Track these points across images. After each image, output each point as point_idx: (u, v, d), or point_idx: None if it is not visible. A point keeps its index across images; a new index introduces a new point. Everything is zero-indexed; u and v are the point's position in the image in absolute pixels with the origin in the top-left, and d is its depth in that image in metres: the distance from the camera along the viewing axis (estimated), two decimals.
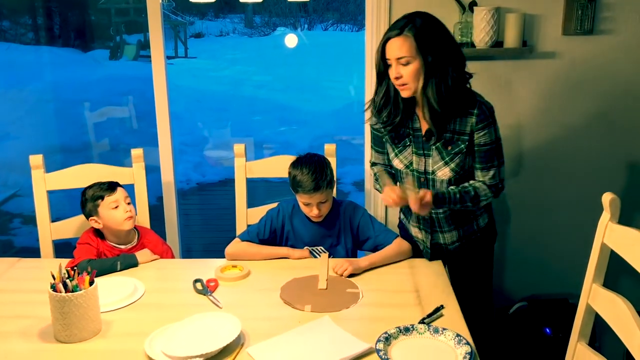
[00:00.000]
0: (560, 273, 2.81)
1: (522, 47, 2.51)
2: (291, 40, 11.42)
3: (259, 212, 2.37)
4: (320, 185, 2.06)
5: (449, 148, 1.92)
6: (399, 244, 2.10)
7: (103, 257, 2.15)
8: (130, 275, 2.02)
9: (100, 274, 1.98)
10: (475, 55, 2.55)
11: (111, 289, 1.87)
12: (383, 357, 1.47)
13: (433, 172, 1.97)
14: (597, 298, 1.52)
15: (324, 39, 11.65)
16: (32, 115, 5.70)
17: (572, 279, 2.81)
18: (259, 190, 3.71)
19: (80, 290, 1.60)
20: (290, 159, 2.21)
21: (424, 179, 2.00)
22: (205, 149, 6.83)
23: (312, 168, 2.08)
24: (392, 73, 1.85)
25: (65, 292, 1.58)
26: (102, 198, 2.15)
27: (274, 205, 2.30)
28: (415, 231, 2.14)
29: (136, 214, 2.28)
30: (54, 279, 1.62)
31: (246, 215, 2.49)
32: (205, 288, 1.91)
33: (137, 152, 2.42)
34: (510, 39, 2.48)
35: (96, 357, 1.55)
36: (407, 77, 1.83)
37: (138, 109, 6.33)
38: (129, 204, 2.19)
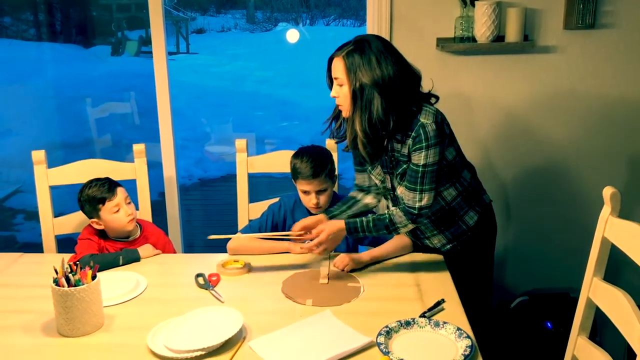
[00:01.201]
0: (561, 267, 2.81)
1: (523, 41, 2.50)
2: (293, 35, 11.39)
3: (260, 207, 2.38)
4: (319, 171, 2.07)
5: (398, 171, 1.91)
6: (399, 239, 2.11)
7: (105, 251, 2.15)
8: (133, 269, 2.03)
9: (103, 268, 1.99)
10: (476, 50, 2.55)
11: (114, 284, 1.88)
12: (384, 350, 1.48)
13: (395, 190, 1.97)
14: (597, 292, 1.53)
15: (326, 34, 11.61)
16: (34, 112, 5.70)
17: (573, 273, 2.81)
18: (260, 185, 3.71)
19: (83, 284, 1.61)
20: (291, 153, 2.21)
21: (392, 196, 2.00)
22: (206, 145, 6.82)
23: (312, 156, 2.11)
24: (332, 92, 1.88)
25: (68, 287, 1.59)
26: (102, 202, 2.13)
27: (276, 200, 2.30)
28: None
29: (137, 210, 2.28)
30: (57, 273, 1.63)
31: (248, 210, 2.49)
32: (207, 282, 1.91)
33: (139, 148, 2.43)
34: (512, 34, 2.48)
35: (99, 351, 1.56)
36: (342, 98, 1.85)
37: (140, 105, 6.32)
38: (129, 203, 2.18)
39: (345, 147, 2.01)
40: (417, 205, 1.86)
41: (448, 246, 2.05)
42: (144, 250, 2.14)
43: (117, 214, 2.14)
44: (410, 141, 1.82)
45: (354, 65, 1.78)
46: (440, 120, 1.83)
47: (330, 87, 1.91)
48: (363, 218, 1.91)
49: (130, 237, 2.22)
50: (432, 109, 1.86)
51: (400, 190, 1.92)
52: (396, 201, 1.98)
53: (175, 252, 2.37)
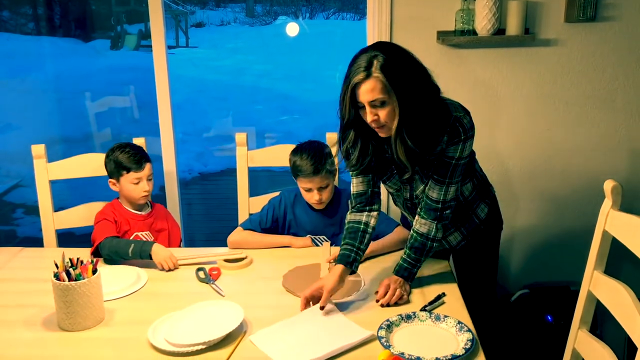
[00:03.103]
0: (561, 260, 2.82)
1: (524, 34, 2.49)
2: (292, 29, 11.36)
3: (261, 201, 2.38)
4: (319, 168, 2.06)
5: (425, 170, 1.80)
6: (400, 232, 2.11)
7: (122, 225, 2.18)
8: (134, 263, 2.02)
9: (116, 256, 2.01)
10: (477, 43, 2.54)
11: (114, 278, 1.88)
12: (385, 344, 1.48)
13: (417, 197, 1.87)
14: (598, 285, 1.52)
15: (325, 27, 11.58)
16: (33, 106, 5.69)
17: (573, 266, 2.81)
18: (261, 179, 3.71)
19: (84, 279, 1.61)
20: (291, 147, 2.21)
21: (410, 205, 1.93)
22: (207, 138, 6.83)
23: (312, 153, 2.09)
24: (367, 117, 1.66)
25: (69, 281, 1.59)
26: (127, 171, 2.17)
27: (276, 194, 2.30)
28: None
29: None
30: (57, 267, 1.63)
31: (248, 204, 2.49)
32: (208, 276, 1.91)
33: (139, 142, 2.42)
34: (513, 27, 2.47)
35: (100, 345, 1.56)
36: (384, 117, 1.64)
37: (139, 99, 6.32)
38: (150, 180, 2.22)
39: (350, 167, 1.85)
40: (441, 198, 1.77)
41: (463, 242, 2.00)
42: (157, 251, 2.02)
43: (136, 186, 2.18)
44: (445, 137, 1.72)
45: (393, 75, 1.60)
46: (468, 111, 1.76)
47: (352, 121, 1.72)
48: (404, 257, 1.81)
49: (143, 210, 2.26)
50: (452, 100, 1.77)
51: (420, 189, 1.82)
52: (412, 210, 1.91)
53: (179, 242, 2.39)
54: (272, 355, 1.49)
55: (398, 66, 1.62)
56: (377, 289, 1.79)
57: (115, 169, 2.19)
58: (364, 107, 1.66)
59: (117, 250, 2.02)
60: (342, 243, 1.85)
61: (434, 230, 1.80)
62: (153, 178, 2.25)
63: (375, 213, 1.89)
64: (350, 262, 1.79)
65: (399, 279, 1.79)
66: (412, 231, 1.84)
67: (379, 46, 1.67)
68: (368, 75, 1.61)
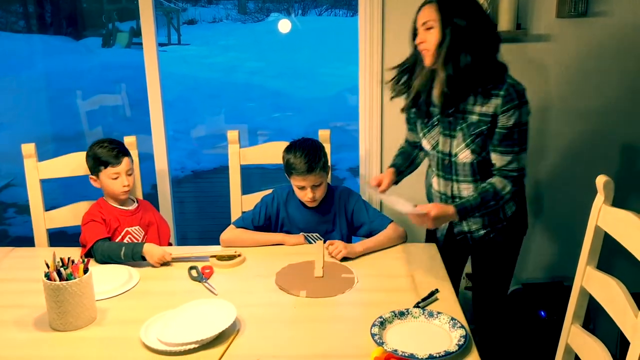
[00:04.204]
0: (554, 256, 2.82)
1: (516, 30, 2.49)
2: (285, 25, 11.36)
3: (253, 199, 2.37)
4: (313, 167, 2.06)
5: (472, 129, 1.87)
6: (393, 229, 2.11)
7: (111, 222, 2.17)
8: (127, 262, 2.01)
9: (110, 260, 2.00)
10: None
11: (106, 277, 1.87)
12: (378, 341, 1.48)
13: (455, 155, 1.93)
14: (591, 280, 1.53)
15: (318, 24, 11.58)
16: (24, 105, 5.67)
17: (566, 261, 2.83)
18: (253, 177, 3.71)
19: (75, 278, 1.59)
20: (284, 145, 2.20)
21: (447, 161, 1.97)
22: (199, 136, 6.81)
23: (306, 151, 2.08)
24: (417, 38, 1.87)
25: (60, 281, 1.58)
26: (105, 165, 2.17)
27: (269, 191, 2.30)
28: None
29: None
30: (48, 267, 1.62)
31: (241, 202, 2.48)
32: (201, 275, 1.91)
33: (130, 140, 2.41)
34: (504, 22, 2.47)
35: (92, 345, 1.55)
36: (429, 42, 1.82)
37: (131, 97, 6.30)
38: (130, 175, 2.21)
39: (402, 107, 2.05)
40: (516, 167, 1.85)
41: (482, 232, 2.02)
42: (150, 251, 2.00)
43: (115, 180, 2.18)
44: (499, 100, 1.80)
45: (447, 7, 1.79)
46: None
47: (414, 38, 1.89)
48: (468, 198, 1.89)
49: (125, 206, 2.25)
50: (510, 76, 1.86)
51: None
52: (449, 168, 1.97)
53: (170, 236, 2.39)
54: None
55: (455, 3, 1.80)
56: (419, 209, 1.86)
57: (94, 165, 2.19)
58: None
59: (109, 254, 2.01)
60: (394, 159, 2.18)
61: (507, 189, 1.87)
62: (133, 173, 2.25)
63: (422, 154, 2.16)
64: (399, 171, 2.13)
65: (446, 216, 1.86)
66: (486, 183, 1.90)
67: None
68: (430, 0, 1.83)
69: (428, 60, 1.86)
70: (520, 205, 2.04)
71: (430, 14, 1.81)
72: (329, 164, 2.24)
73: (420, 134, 2.04)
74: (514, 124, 1.81)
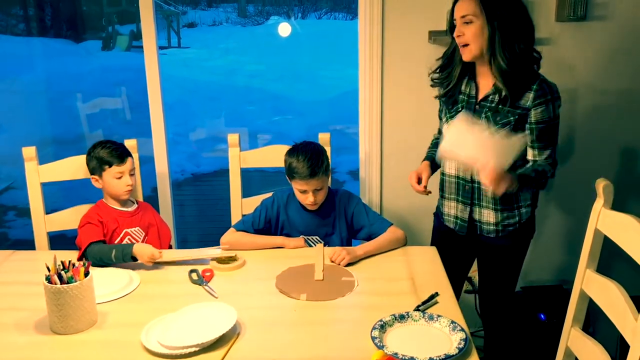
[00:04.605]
0: (554, 259, 2.82)
1: None
2: (285, 29, 11.36)
3: (253, 202, 2.37)
4: (316, 171, 2.06)
5: (498, 118, 1.90)
6: (393, 232, 2.11)
7: (109, 224, 2.17)
8: (125, 265, 2.01)
9: (102, 262, 2.00)
10: None
11: (106, 280, 1.87)
12: (378, 344, 1.48)
13: None
14: (590, 283, 1.53)
15: (317, 27, 11.59)
16: (24, 107, 5.67)
17: (566, 265, 2.83)
18: (253, 180, 3.70)
19: (76, 281, 1.60)
20: (284, 148, 2.20)
21: None
22: (199, 139, 6.81)
23: (308, 155, 2.09)
24: (455, 32, 1.88)
25: (61, 284, 1.58)
26: (109, 165, 2.18)
27: (269, 194, 2.30)
28: (450, 206, 2.12)
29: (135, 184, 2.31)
30: (49, 270, 1.62)
31: (241, 205, 2.49)
32: (201, 278, 1.91)
33: (130, 143, 2.41)
34: None
35: (92, 348, 1.55)
36: (468, 36, 1.85)
37: (131, 100, 6.30)
38: (132, 175, 2.23)
39: (436, 95, 2.08)
40: (552, 160, 1.94)
41: (492, 229, 2.04)
42: (140, 251, 2.00)
43: (119, 180, 2.19)
44: (532, 94, 1.85)
45: (487, 2, 1.80)
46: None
47: (452, 31, 1.92)
48: (527, 167, 1.92)
49: (125, 207, 2.26)
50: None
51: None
52: None
53: (170, 238, 2.39)
54: None
55: None
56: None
57: (98, 165, 2.20)
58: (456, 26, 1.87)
59: (100, 256, 2.02)
60: (428, 151, 2.20)
61: (548, 175, 1.95)
62: (135, 173, 2.26)
63: None
64: (433, 163, 2.13)
65: (506, 178, 1.80)
66: (535, 162, 1.94)
67: None
68: None
69: (467, 54, 1.89)
70: (533, 211, 2.08)
71: (469, 8, 1.83)
72: (330, 166, 2.24)
73: (444, 120, 2.07)
74: (549, 118, 1.87)
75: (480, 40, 1.85)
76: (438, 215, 2.23)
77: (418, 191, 2.04)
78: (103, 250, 2.03)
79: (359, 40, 2.62)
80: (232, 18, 12.62)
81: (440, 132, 2.22)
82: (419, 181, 2.05)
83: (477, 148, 1.77)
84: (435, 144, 2.22)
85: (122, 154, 2.21)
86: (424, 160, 2.18)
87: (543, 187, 2.00)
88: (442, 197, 2.16)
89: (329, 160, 2.22)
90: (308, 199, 2.10)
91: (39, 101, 5.94)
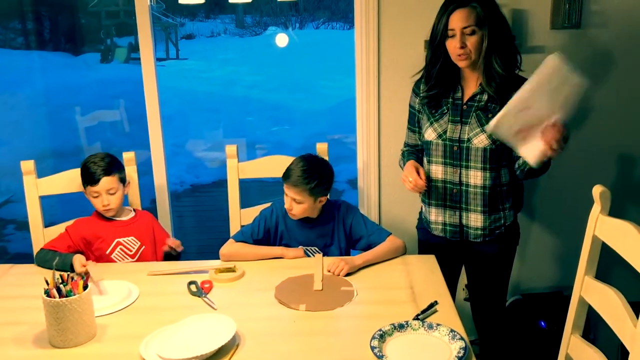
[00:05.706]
0: (553, 266, 2.82)
1: None
2: (282, 39, 11.41)
3: (252, 213, 2.37)
4: (302, 182, 2.07)
5: (489, 115, 1.94)
6: (392, 241, 2.11)
7: (94, 235, 2.23)
8: (124, 278, 2.01)
9: (45, 267, 2.09)
10: None
11: (105, 293, 1.87)
12: (378, 354, 1.48)
13: (469, 140, 1.99)
14: (589, 290, 1.53)
15: (315, 37, 11.63)
16: (23, 120, 5.68)
17: (565, 271, 2.83)
18: (252, 190, 3.71)
19: (74, 295, 1.59)
20: (282, 158, 2.21)
21: (457, 148, 2.01)
22: (197, 151, 6.82)
23: (307, 166, 2.10)
24: (456, 43, 1.90)
25: (59, 298, 1.58)
26: (85, 185, 2.24)
27: (268, 205, 2.30)
28: (438, 213, 2.13)
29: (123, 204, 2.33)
30: (48, 284, 1.62)
31: (240, 216, 2.49)
32: (200, 290, 1.91)
33: (128, 156, 2.42)
34: None
35: None
36: (471, 46, 1.90)
37: (130, 112, 6.31)
38: (112, 194, 2.23)
39: (419, 101, 2.12)
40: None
41: (479, 234, 2.07)
42: (77, 262, 2.06)
43: (96, 199, 2.23)
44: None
45: (489, 11, 1.89)
46: None
47: (440, 45, 1.96)
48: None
49: (120, 217, 2.30)
50: None
51: (475, 132, 1.98)
52: (459, 154, 2.01)
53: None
54: None
55: (493, 8, 1.91)
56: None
57: (82, 180, 2.26)
58: (452, 36, 1.91)
59: (43, 264, 2.11)
60: (406, 159, 2.17)
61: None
62: (120, 191, 2.25)
63: (421, 155, 2.20)
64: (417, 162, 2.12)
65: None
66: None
67: None
68: (465, 4, 1.88)
69: (464, 63, 1.94)
70: (516, 216, 2.13)
71: (470, 18, 1.88)
72: (327, 188, 2.16)
73: (426, 125, 2.08)
74: None
75: (481, 48, 1.91)
76: (423, 228, 2.23)
77: (418, 185, 2.02)
78: (47, 257, 2.12)
79: (355, 51, 2.63)
80: (230, 29, 12.66)
81: (407, 145, 2.25)
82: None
83: (560, 98, 1.82)
84: (409, 152, 2.23)
85: (100, 174, 2.19)
86: (406, 161, 2.15)
87: (544, 171, 2.03)
88: (428, 204, 2.16)
89: (328, 185, 2.16)
90: (286, 204, 2.12)
91: (38, 114, 5.95)
